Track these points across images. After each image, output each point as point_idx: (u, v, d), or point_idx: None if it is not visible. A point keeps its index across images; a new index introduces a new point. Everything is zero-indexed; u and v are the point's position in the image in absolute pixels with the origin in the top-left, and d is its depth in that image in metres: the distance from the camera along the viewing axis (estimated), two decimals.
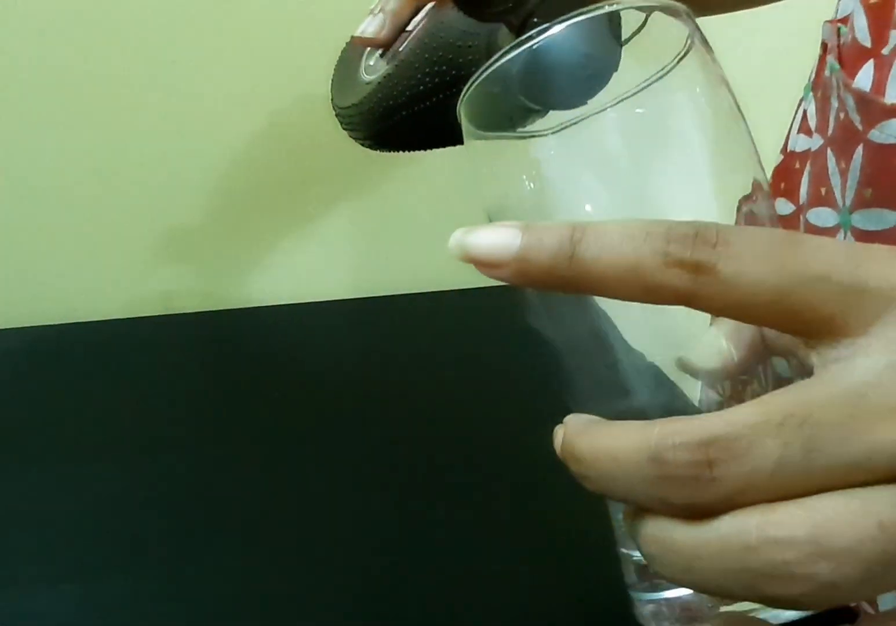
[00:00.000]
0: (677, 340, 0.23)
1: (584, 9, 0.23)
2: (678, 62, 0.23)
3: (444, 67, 0.37)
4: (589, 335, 0.25)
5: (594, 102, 0.23)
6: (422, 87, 0.38)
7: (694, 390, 0.23)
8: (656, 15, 0.23)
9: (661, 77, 0.23)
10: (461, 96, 0.25)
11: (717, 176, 0.23)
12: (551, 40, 0.23)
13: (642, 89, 0.22)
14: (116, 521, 0.49)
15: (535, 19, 0.30)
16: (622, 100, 0.22)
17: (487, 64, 0.24)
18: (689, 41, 0.23)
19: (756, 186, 0.23)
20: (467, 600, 0.45)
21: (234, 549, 0.48)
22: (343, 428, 0.59)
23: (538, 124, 0.24)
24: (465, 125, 0.26)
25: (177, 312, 0.72)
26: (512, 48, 0.23)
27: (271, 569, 0.46)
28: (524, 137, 0.24)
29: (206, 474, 0.54)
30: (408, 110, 0.39)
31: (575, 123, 0.23)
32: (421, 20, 0.40)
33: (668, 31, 0.23)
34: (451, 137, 0.40)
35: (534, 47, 0.23)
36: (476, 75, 0.24)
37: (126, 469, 0.54)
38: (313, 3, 0.67)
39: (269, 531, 0.49)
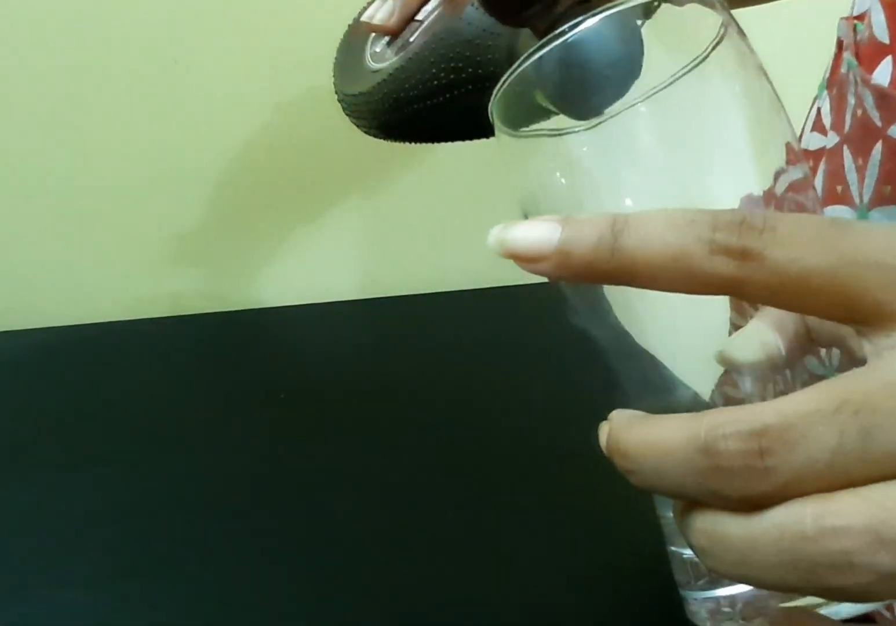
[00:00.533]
0: (714, 333, 0.23)
1: (615, 2, 0.23)
2: (712, 51, 0.23)
3: (461, 64, 0.36)
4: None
5: (627, 95, 0.23)
6: (436, 82, 0.37)
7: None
8: (690, 5, 0.23)
9: (695, 66, 0.22)
10: (493, 95, 0.24)
11: (758, 165, 0.23)
12: (585, 34, 0.22)
13: (676, 80, 0.22)
14: (123, 525, 0.49)
15: (561, 25, 0.30)
16: (656, 91, 0.22)
17: (520, 61, 0.23)
18: (722, 30, 0.23)
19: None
20: (477, 602, 0.45)
21: (243, 552, 0.48)
22: (352, 429, 0.59)
23: (571, 120, 0.23)
24: (498, 124, 0.25)
25: (184, 313, 0.72)
26: (545, 44, 0.23)
27: (281, 573, 0.46)
28: (559, 135, 0.24)
29: (215, 476, 0.54)
30: (420, 104, 0.38)
31: (610, 118, 0.23)
32: (433, 11, 0.40)
33: (701, 20, 0.23)
34: (462, 132, 0.40)
35: (568, 41, 0.22)
36: (509, 73, 0.24)
37: (134, 472, 0.54)
38: (316, 2, 0.67)
39: (278, 533, 0.49)
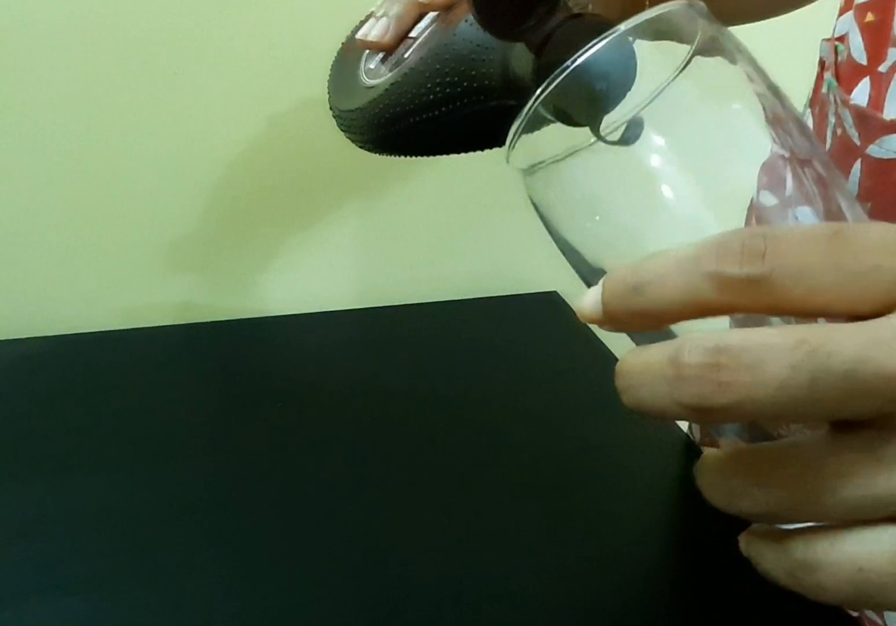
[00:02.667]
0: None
1: (614, 28, 0.23)
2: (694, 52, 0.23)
3: (456, 78, 0.37)
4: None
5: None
6: (431, 97, 0.38)
7: None
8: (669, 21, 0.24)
9: (683, 68, 0.23)
10: (509, 142, 0.25)
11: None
12: (591, 60, 0.23)
13: (670, 83, 0.23)
14: (120, 533, 0.49)
15: (554, 39, 0.31)
16: (651, 100, 0.23)
17: (532, 103, 0.24)
18: (701, 32, 0.24)
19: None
20: (477, 604, 0.46)
21: (242, 560, 0.48)
22: (350, 437, 0.59)
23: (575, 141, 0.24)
24: (515, 162, 0.26)
25: (181, 322, 0.72)
26: (555, 76, 0.24)
27: (282, 578, 0.47)
28: (573, 155, 0.24)
29: (212, 485, 0.54)
30: (414, 118, 0.39)
31: (609, 133, 0.23)
32: (427, 27, 0.40)
33: (680, 28, 0.24)
34: (457, 145, 0.41)
35: (576, 70, 0.23)
36: (524, 113, 0.24)
37: (132, 480, 0.54)
38: (312, 12, 0.68)
39: (277, 542, 0.49)
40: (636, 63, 0.26)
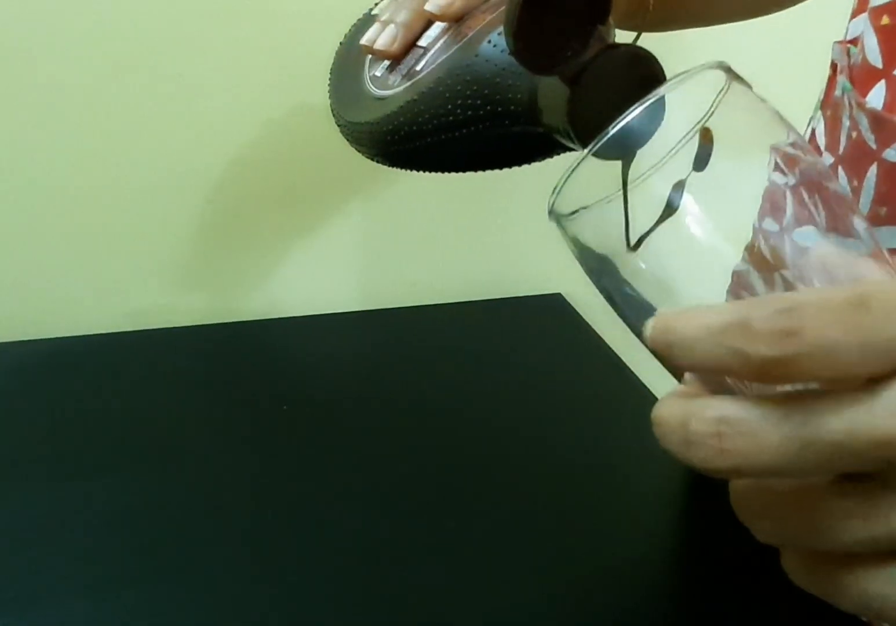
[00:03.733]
0: None
1: (653, 92, 0.24)
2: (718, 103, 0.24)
3: (479, 101, 0.35)
4: None
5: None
6: (451, 118, 0.36)
7: None
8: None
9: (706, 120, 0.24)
10: (550, 202, 0.25)
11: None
12: (632, 124, 0.24)
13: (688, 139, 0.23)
14: (125, 536, 0.49)
15: (590, 72, 0.30)
16: (675, 151, 0.24)
17: (577, 164, 0.24)
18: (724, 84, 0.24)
19: None
20: (476, 608, 0.46)
21: (244, 562, 0.48)
22: (352, 440, 0.59)
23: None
24: (560, 221, 0.26)
25: (184, 325, 0.72)
26: (599, 139, 0.24)
27: (283, 582, 0.47)
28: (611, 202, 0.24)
29: (214, 488, 0.54)
30: (432, 138, 0.38)
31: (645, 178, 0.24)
32: (437, 38, 0.39)
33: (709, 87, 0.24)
34: (473, 164, 0.40)
35: (620, 133, 0.24)
36: (569, 172, 0.24)
37: (133, 483, 0.54)
38: (316, 14, 0.68)
39: (281, 543, 0.49)
40: (664, 115, 0.26)
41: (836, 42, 0.43)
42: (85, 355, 0.68)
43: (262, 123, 0.71)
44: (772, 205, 0.24)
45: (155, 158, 0.69)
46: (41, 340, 0.69)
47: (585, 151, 0.24)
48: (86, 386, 0.64)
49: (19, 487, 0.53)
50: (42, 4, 0.62)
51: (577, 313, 0.78)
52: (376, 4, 0.48)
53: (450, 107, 0.36)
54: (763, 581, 0.47)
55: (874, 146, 0.37)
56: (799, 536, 0.22)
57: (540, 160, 0.38)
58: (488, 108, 0.35)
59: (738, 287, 0.25)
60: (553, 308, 0.80)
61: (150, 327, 0.71)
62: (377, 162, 0.42)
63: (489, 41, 0.35)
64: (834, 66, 0.43)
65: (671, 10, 0.46)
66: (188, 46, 0.66)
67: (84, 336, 0.70)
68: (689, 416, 0.21)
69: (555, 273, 0.82)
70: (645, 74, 0.32)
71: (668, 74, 0.32)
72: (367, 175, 0.74)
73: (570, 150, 0.34)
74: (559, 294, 0.81)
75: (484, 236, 0.81)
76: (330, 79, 0.46)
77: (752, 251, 0.25)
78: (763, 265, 0.26)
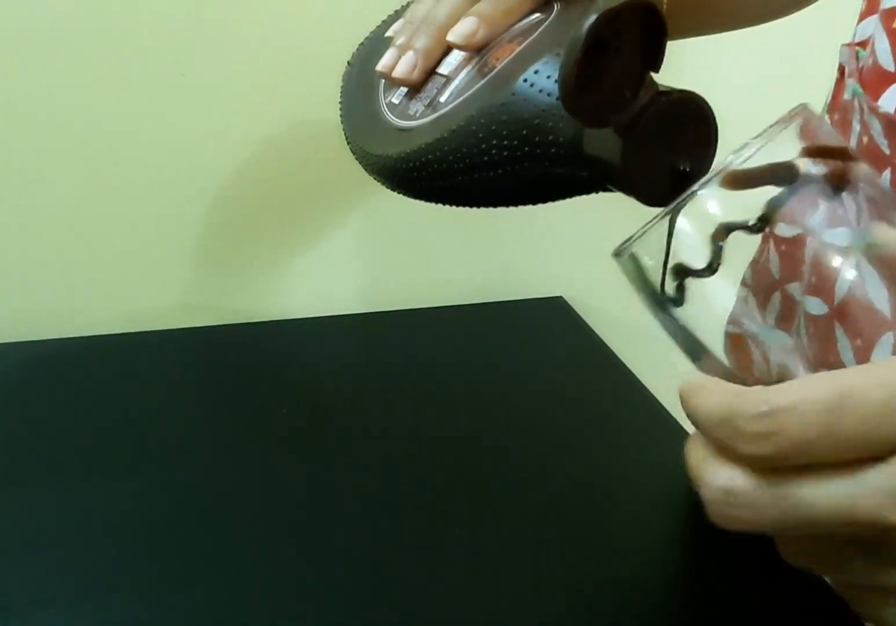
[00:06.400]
0: None
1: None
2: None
3: (516, 143, 0.34)
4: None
5: None
6: (485, 158, 0.35)
7: None
8: None
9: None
10: (626, 252, 0.27)
11: None
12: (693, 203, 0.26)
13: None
14: (122, 540, 0.49)
15: (643, 123, 0.30)
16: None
17: (653, 222, 0.26)
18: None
19: None
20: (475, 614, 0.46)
21: (243, 565, 0.48)
22: (352, 443, 0.59)
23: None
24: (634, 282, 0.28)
25: (182, 326, 0.72)
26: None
27: (283, 588, 0.46)
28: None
29: (214, 490, 0.54)
30: (463, 177, 0.36)
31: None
32: (460, 67, 0.37)
33: None
34: (505, 201, 0.38)
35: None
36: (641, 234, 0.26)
37: (133, 486, 0.53)
38: (322, 14, 0.67)
39: (282, 547, 0.49)
40: None
41: (843, 45, 0.43)
42: (82, 356, 0.67)
43: (263, 128, 0.70)
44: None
45: (156, 161, 0.69)
46: (40, 341, 0.69)
47: (666, 210, 0.26)
48: (84, 388, 0.64)
49: (16, 490, 0.53)
50: (41, 6, 0.62)
51: (579, 316, 0.78)
52: (384, 22, 0.46)
53: (483, 146, 0.34)
54: (770, 589, 0.47)
55: (888, 151, 0.37)
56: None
57: (577, 196, 0.37)
58: (526, 149, 0.34)
59: (740, 315, 0.27)
60: (554, 311, 0.80)
61: (149, 329, 0.71)
62: (399, 193, 0.41)
63: (525, 80, 0.33)
64: (842, 69, 0.43)
65: (683, 19, 0.46)
66: (192, 49, 0.66)
67: (82, 338, 0.69)
68: (701, 478, 0.24)
69: (556, 276, 0.82)
70: (696, 119, 0.31)
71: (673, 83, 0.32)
72: (368, 179, 0.74)
73: (611, 191, 0.34)
74: (560, 297, 0.81)
75: (485, 239, 0.80)
76: (341, 103, 0.44)
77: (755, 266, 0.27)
78: (764, 281, 0.28)
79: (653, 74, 0.31)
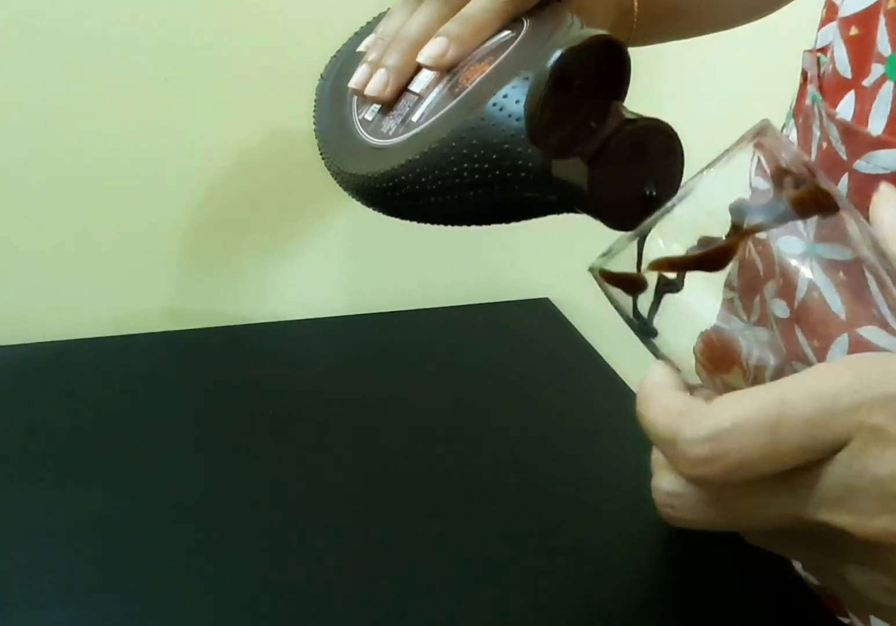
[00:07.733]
0: None
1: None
2: None
3: (486, 166, 0.34)
4: None
5: None
6: (457, 181, 0.35)
7: None
8: None
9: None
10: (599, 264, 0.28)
11: None
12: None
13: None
14: (107, 541, 0.50)
15: (610, 151, 0.31)
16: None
17: (621, 246, 0.27)
18: None
19: None
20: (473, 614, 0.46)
21: (232, 567, 0.48)
22: (339, 446, 0.59)
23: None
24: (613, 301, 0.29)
25: (169, 329, 0.72)
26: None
27: (272, 589, 0.47)
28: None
29: (200, 493, 0.54)
30: (436, 198, 0.36)
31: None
32: (431, 85, 0.38)
33: None
34: (478, 220, 0.39)
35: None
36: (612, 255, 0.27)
37: (118, 488, 0.54)
38: (305, 18, 0.68)
39: (267, 549, 0.50)
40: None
41: (805, 51, 0.43)
42: (69, 359, 0.68)
43: (248, 131, 0.71)
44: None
45: (140, 166, 0.69)
46: (35, 344, 0.69)
47: (634, 232, 0.27)
48: (70, 391, 0.64)
49: (4, 491, 0.53)
50: (24, 11, 0.62)
51: (565, 318, 0.78)
52: (357, 34, 0.47)
53: (455, 169, 0.35)
54: (762, 595, 0.47)
55: (845, 157, 0.37)
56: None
57: (550, 215, 0.38)
58: (497, 173, 0.34)
59: (729, 313, 0.29)
60: (540, 313, 0.80)
61: (136, 332, 0.71)
62: (376, 210, 0.41)
63: (494, 104, 0.34)
64: (804, 75, 0.43)
65: (655, 26, 0.46)
66: (176, 53, 0.66)
67: (68, 341, 0.70)
68: (653, 479, 0.26)
69: (542, 278, 0.82)
70: (662, 145, 0.32)
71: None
72: None
73: (580, 213, 0.34)
74: (546, 299, 0.82)
75: (471, 241, 0.81)
76: (314, 117, 0.45)
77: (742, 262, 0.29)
78: (751, 277, 0.29)
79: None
